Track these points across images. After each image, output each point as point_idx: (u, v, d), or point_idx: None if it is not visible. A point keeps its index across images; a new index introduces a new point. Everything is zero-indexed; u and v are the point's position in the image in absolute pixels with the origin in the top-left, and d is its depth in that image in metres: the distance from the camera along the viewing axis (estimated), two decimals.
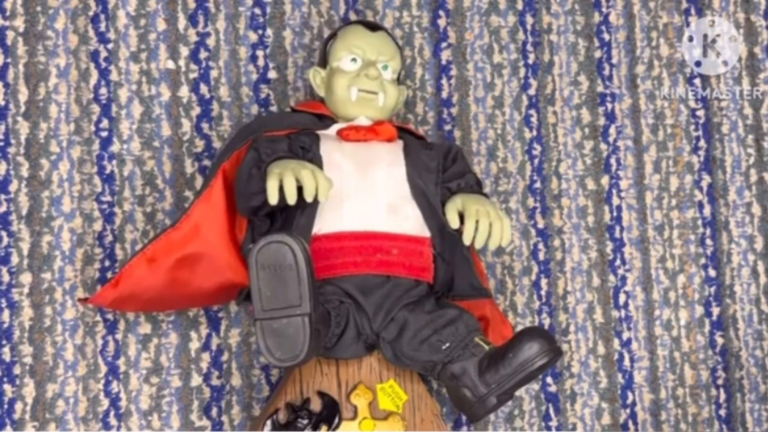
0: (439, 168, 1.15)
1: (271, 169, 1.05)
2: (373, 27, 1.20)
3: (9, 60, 1.20)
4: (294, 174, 1.03)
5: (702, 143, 1.39)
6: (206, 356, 1.20)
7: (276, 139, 1.12)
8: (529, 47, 1.35)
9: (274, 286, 0.97)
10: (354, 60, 1.17)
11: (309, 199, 1.03)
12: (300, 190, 1.04)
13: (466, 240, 1.08)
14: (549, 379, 1.29)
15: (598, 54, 1.37)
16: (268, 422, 1.09)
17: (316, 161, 1.10)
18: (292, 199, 1.03)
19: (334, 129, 1.16)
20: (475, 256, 1.22)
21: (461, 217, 1.10)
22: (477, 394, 1.05)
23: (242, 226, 1.14)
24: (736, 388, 1.34)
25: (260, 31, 1.28)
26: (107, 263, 1.19)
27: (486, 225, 1.08)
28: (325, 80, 1.19)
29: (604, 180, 1.35)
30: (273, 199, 1.03)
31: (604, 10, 1.38)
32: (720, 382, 1.34)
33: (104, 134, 1.22)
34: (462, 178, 1.16)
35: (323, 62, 1.21)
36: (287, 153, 1.09)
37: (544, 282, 1.31)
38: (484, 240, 1.08)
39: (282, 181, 1.03)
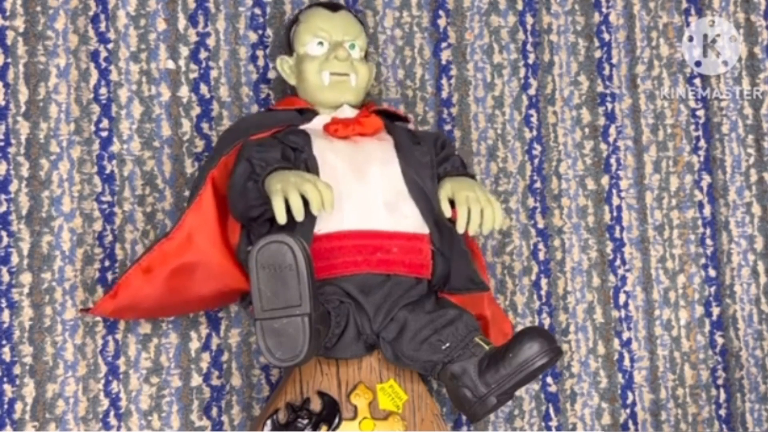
0: (433, 161, 1.15)
1: (272, 185, 1.05)
2: (335, 7, 1.20)
3: (9, 60, 1.20)
4: (297, 189, 1.03)
5: (702, 143, 1.39)
6: (206, 356, 1.20)
7: (266, 144, 1.11)
8: (529, 47, 1.35)
9: (274, 286, 0.97)
10: (320, 43, 1.17)
11: (316, 212, 1.03)
12: (305, 201, 1.03)
13: (460, 228, 1.08)
14: (549, 379, 1.29)
15: (598, 54, 1.37)
16: (268, 422, 1.09)
17: (311, 162, 1.10)
18: (300, 216, 1.03)
19: (318, 122, 1.16)
20: (477, 251, 1.22)
21: (452, 204, 1.10)
22: (477, 394, 1.05)
23: (235, 230, 1.14)
24: (736, 388, 1.34)
25: (260, 31, 1.28)
26: (107, 263, 1.19)
27: (477, 211, 1.08)
28: (294, 68, 1.19)
29: (604, 180, 1.35)
30: (282, 219, 1.03)
31: (604, 10, 1.38)
32: (720, 382, 1.34)
33: (104, 134, 1.22)
34: (447, 162, 1.16)
35: (289, 49, 1.20)
36: (281, 162, 1.09)
37: (544, 282, 1.31)
38: (477, 226, 1.08)
39: (287, 199, 1.03)
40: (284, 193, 1.03)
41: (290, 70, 1.19)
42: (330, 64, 1.15)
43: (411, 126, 1.26)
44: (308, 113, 1.17)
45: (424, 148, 1.16)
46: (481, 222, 1.08)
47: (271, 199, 1.03)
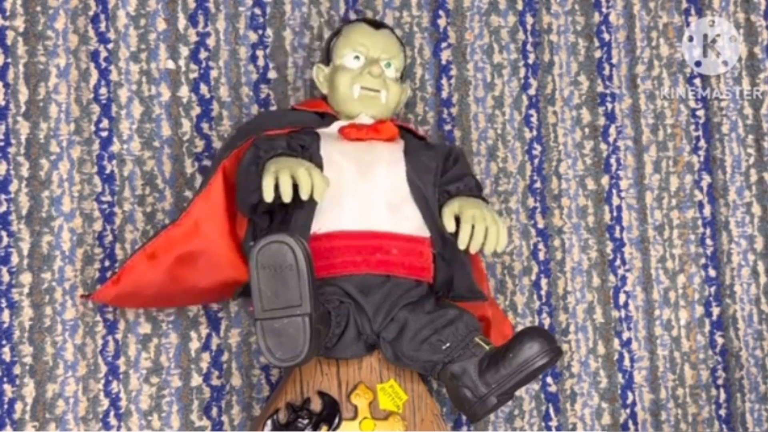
0: (438, 169, 1.15)
1: (268, 166, 1.05)
2: (377, 25, 1.20)
3: (9, 60, 1.20)
4: (290, 172, 1.03)
5: (702, 143, 1.39)
6: (206, 356, 1.20)
7: (275, 137, 1.12)
8: (529, 47, 1.35)
9: (275, 286, 0.97)
10: (357, 57, 1.17)
11: (304, 197, 1.03)
12: (296, 188, 1.04)
13: (461, 245, 1.08)
14: (549, 379, 1.29)
15: (598, 54, 1.37)
16: (269, 422, 1.09)
17: (316, 161, 1.10)
18: (287, 196, 1.03)
19: (335, 127, 1.16)
20: (476, 256, 1.22)
21: (458, 220, 1.10)
22: (477, 394, 1.05)
23: (243, 223, 1.14)
24: (736, 388, 1.34)
25: (260, 31, 1.28)
26: (107, 263, 1.19)
27: (482, 230, 1.08)
28: (328, 77, 1.19)
29: (604, 180, 1.35)
30: (268, 196, 1.03)
31: (604, 10, 1.38)
32: (720, 382, 1.34)
33: (104, 134, 1.22)
34: (461, 181, 1.16)
35: (326, 59, 1.21)
36: (286, 150, 1.09)
37: (544, 282, 1.31)
38: (479, 245, 1.08)
39: (278, 179, 1.03)
40: (276, 173, 1.03)
41: (324, 79, 1.20)
42: (363, 79, 1.16)
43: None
44: (328, 118, 1.17)
45: (432, 154, 1.16)
46: (484, 242, 1.08)
47: (263, 177, 1.03)
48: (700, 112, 1.39)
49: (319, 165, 1.10)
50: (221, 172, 1.13)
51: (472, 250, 1.09)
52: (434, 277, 1.13)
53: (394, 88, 1.17)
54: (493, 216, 1.09)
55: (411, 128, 1.22)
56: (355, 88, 1.16)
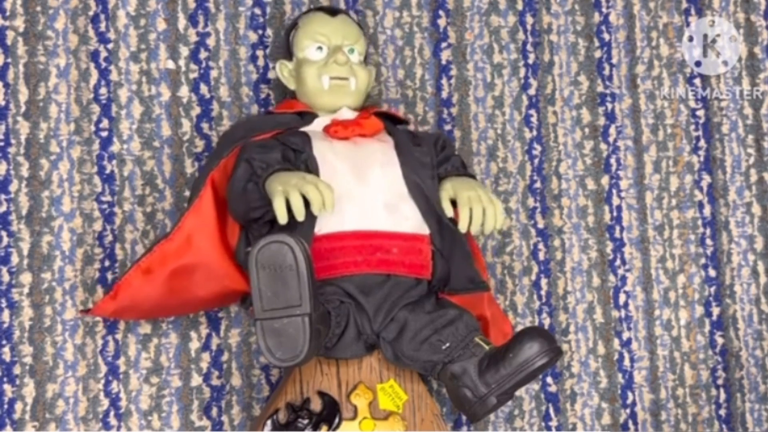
0: (434, 162, 1.16)
1: (273, 186, 1.05)
2: (334, 12, 1.20)
3: (9, 60, 1.20)
4: (298, 190, 1.03)
5: (702, 143, 1.39)
6: (206, 356, 1.20)
7: (267, 146, 1.11)
8: (529, 47, 1.35)
9: (275, 286, 0.97)
10: (320, 48, 1.17)
11: (317, 212, 1.04)
12: (306, 202, 1.04)
13: (462, 228, 1.09)
14: (549, 379, 1.29)
15: (598, 54, 1.37)
16: (269, 422, 1.09)
17: (311, 163, 1.10)
18: (301, 216, 1.03)
19: (318, 125, 1.16)
20: (477, 251, 1.22)
21: (454, 204, 1.11)
22: (477, 394, 1.05)
23: (234, 232, 1.14)
24: (736, 388, 1.34)
25: (260, 31, 1.28)
26: (107, 263, 1.19)
27: (479, 211, 1.09)
28: (293, 72, 1.19)
29: (604, 180, 1.35)
30: (283, 219, 1.03)
31: (604, 10, 1.38)
32: (720, 382, 1.34)
33: (104, 134, 1.22)
34: (448, 162, 1.17)
35: (288, 54, 1.20)
36: (282, 163, 1.09)
37: (544, 282, 1.31)
38: (479, 226, 1.09)
39: (288, 200, 1.03)
40: (285, 193, 1.03)
41: (290, 75, 1.20)
42: (329, 69, 1.16)
43: (411, 127, 1.26)
44: (308, 116, 1.17)
45: (424, 148, 1.16)
46: (483, 222, 1.08)
47: (272, 199, 1.04)
48: (700, 112, 1.39)
49: (315, 167, 1.10)
50: (210, 185, 1.13)
51: (473, 232, 1.09)
52: (432, 273, 1.13)
53: (361, 73, 1.17)
54: (488, 195, 1.10)
55: (392, 113, 1.22)
56: (323, 80, 1.16)
